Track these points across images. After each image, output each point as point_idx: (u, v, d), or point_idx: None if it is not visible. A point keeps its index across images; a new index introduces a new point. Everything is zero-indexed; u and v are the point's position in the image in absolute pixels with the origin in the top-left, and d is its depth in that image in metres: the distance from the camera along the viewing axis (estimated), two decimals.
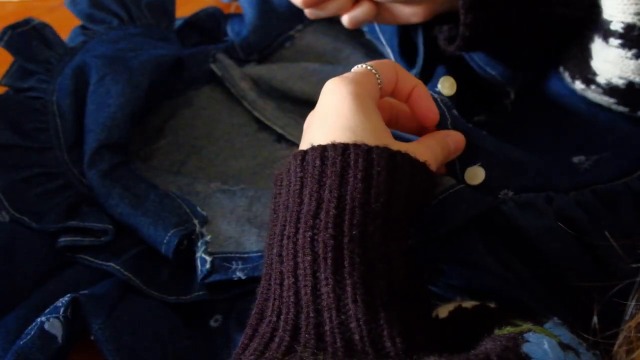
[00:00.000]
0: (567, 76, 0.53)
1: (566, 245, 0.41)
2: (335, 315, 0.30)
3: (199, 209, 0.50)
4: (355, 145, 0.33)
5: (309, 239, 0.31)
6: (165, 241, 0.47)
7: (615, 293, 0.41)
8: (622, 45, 0.46)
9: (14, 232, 0.48)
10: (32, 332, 0.40)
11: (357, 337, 0.29)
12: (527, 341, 0.28)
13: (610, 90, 0.49)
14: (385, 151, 0.34)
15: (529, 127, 0.54)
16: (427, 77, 0.55)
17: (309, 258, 0.31)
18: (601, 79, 0.49)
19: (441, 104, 0.44)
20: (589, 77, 0.50)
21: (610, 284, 0.40)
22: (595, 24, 0.48)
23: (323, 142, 0.34)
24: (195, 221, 0.49)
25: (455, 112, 0.45)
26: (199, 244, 0.47)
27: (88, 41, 0.59)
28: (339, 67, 0.65)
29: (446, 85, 0.49)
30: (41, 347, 0.40)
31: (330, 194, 0.32)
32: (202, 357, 0.44)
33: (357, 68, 0.39)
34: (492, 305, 0.37)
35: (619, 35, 0.45)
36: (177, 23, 0.67)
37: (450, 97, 0.47)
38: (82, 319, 0.42)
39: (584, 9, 0.48)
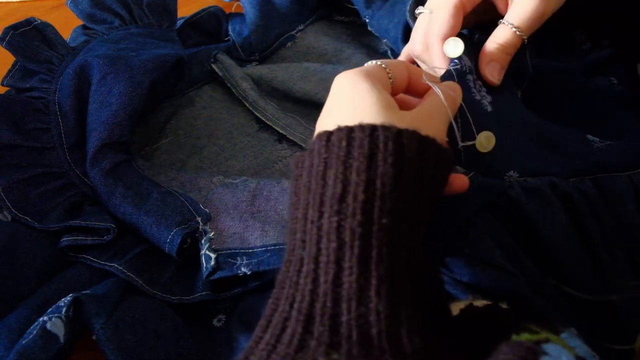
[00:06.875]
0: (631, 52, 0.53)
1: (566, 233, 0.41)
2: (355, 307, 0.28)
3: (201, 206, 0.50)
4: (384, 127, 0.32)
5: (335, 224, 0.30)
6: (168, 240, 0.47)
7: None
8: None
9: (15, 232, 0.48)
10: (34, 332, 0.40)
11: (374, 331, 0.28)
12: (545, 354, 0.27)
13: None
14: (415, 136, 0.32)
15: (547, 108, 0.53)
16: None
17: (334, 245, 0.29)
18: None
19: (454, 74, 0.44)
20: None
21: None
22: None
23: (347, 123, 0.33)
24: (199, 219, 0.49)
25: (470, 77, 0.45)
26: (203, 241, 0.47)
27: (89, 41, 0.59)
28: (340, 66, 0.65)
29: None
30: (43, 346, 0.39)
31: (358, 177, 0.30)
32: (204, 357, 0.44)
33: (368, 64, 0.40)
34: (504, 305, 0.37)
35: None
36: (179, 23, 0.67)
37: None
38: (84, 319, 0.42)
39: None
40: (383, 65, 0.39)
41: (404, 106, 0.42)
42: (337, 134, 0.32)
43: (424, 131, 0.34)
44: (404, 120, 0.34)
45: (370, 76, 0.36)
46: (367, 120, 0.33)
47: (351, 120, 0.33)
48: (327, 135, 0.33)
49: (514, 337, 0.30)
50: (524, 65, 0.52)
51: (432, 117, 0.37)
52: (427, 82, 0.41)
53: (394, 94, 0.40)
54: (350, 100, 0.35)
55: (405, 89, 0.41)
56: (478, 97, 0.46)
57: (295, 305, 0.29)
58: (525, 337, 0.30)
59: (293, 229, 0.32)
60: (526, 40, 0.47)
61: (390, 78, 0.39)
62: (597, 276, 0.41)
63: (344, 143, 0.32)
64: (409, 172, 0.31)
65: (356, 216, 0.30)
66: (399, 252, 0.30)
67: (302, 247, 0.31)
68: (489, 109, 0.46)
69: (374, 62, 0.40)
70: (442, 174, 0.35)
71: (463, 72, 0.46)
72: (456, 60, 0.46)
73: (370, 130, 0.32)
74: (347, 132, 0.32)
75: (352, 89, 0.36)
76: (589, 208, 0.43)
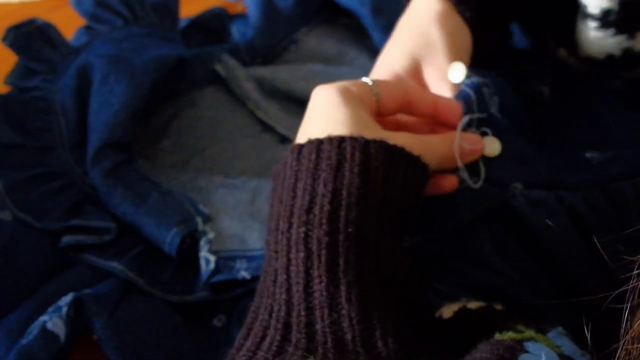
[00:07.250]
0: (552, 43, 0.54)
1: (576, 246, 0.41)
2: (327, 314, 0.29)
3: (201, 206, 0.50)
4: (352, 138, 0.33)
5: (302, 234, 0.31)
6: (168, 240, 0.47)
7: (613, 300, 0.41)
8: (600, 27, 0.47)
9: (16, 232, 0.48)
10: (35, 332, 0.40)
11: (348, 336, 0.29)
12: (526, 351, 0.27)
13: (590, 61, 0.51)
14: (382, 145, 0.33)
15: (545, 120, 0.53)
16: None
17: (302, 254, 0.30)
18: (582, 52, 0.51)
19: (470, 92, 0.44)
20: (571, 48, 0.52)
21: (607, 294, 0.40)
22: (576, 5, 0.49)
23: (318, 136, 0.34)
24: (198, 219, 0.49)
25: (485, 91, 0.45)
26: (202, 242, 0.47)
27: (92, 41, 0.59)
28: (342, 67, 0.65)
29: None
30: (44, 346, 0.39)
31: (325, 188, 0.31)
32: (204, 357, 0.43)
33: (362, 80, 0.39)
34: (498, 307, 0.37)
35: (597, 19, 0.46)
36: (183, 23, 0.67)
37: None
38: (85, 318, 0.42)
39: None
40: (369, 83, 0.38)
41: (394, 125, 0.42)
42: (308, 147, 0.33)
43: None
44: (390, 139, 0.34)
45: (346, 92, 0.36)
46: (338, 133, 0.34)
47: (322, 134, 0.34)
48: (299, 148, 0.34)
49: (497, 336, 0.30)
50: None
51: (426, 147, 0.36)
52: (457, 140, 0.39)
53: (382, 113, 0.39)
54: (323, 115, 0.36)
55: (401, 108, 0.40)
56: (493, 110, 0.45)
57: (274, 315, 0.31)
58: (508, 335, 0.30)
59: (267, 240, 0.33)
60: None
61: (374, 95, 0.38)
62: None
63: (313, 155, 0.33)
64: (375, 180, 0.32)
65: (322, 226, 0.30)
66: (366, 258, 0.31)
67: (275, 257, 0.32)
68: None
69: (364, 78, 0.39)
70: (413, 182, 0.35)
71: (479, 85, 0.45)
72: (467, 81, 0.45)
73: (339, 142, 0.33)
74: (317, 145, 0.33)
75: (325, 103, 0.36)
76: (597, 219, 0.42)
